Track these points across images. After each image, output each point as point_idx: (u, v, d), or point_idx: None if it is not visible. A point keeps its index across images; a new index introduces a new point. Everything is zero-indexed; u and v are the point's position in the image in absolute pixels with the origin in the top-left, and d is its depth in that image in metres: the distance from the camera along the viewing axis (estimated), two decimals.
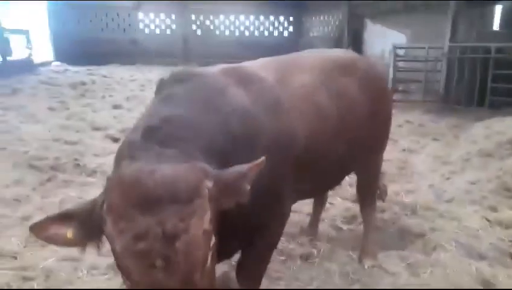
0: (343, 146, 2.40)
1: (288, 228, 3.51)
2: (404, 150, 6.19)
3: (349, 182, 4.29)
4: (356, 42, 13.35)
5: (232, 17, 18.56)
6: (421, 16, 10.58)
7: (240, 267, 2.23)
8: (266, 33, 18.82)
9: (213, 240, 1.37)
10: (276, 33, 18.83)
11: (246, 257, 2.20)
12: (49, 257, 2.86)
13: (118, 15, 17.60)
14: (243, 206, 1.50)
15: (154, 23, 18.16)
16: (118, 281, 2.75)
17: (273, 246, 2.35)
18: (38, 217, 1.65)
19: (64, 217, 1.35)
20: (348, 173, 3.07)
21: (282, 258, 3.14)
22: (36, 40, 16.06)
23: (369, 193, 3.14)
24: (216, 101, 1.80)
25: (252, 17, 18.65)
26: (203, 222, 1.29)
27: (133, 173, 1.30)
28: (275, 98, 2.04)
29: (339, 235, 3.58)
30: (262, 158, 1.48)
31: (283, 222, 2.26)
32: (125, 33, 17.69)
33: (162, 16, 18.12)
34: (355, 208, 3.93)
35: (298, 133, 2.07)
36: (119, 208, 1.26)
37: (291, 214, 3.67)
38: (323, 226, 3.63)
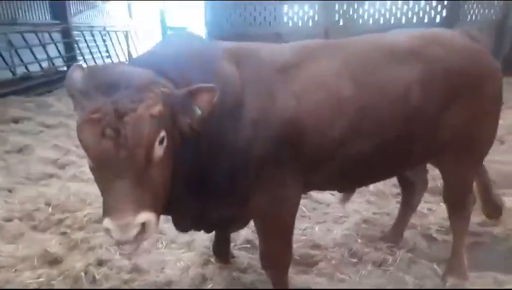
0: (382, 140, 2.20)
1: (367, 230, 3.36)
2: None
3: None
4: None
5: (377, 4, 17.67)
6: None
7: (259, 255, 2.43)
8: (415, 19, 17.38)
9: (165, 141, 1.65)
10: (426, 19, 17.24)
11: (259, 246, 2.42)
12: None
13: (264, 9, 18.44)
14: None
15: (297, 15, 18.49)
16: (190, 255, 3.05)
17: (279, 234, 2.32)
18: None
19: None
20: (398, 172, 2.81)
21: (354, 260, 3.01)
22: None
23: (457, 196, 2.72)
24: (204, 63, 1.99)
25: (399, 3, 17.44)
26: (151, 109, 1.57)
27: (100, 67, 1.72)
28: (267, 84, 2.07)
29: (430, 246, 3.22)
30: (212, 85, 1.72)
31: (286, 209, 2.25)
32: (270, 27, 18.45)
33: (306, 7, 18.31)
34: None
35: (297, 120, 2.05)
36: (85, 90, 1.61)
37: (371, 215, 3.53)
38: (412, 234, 3.32)
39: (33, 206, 3.71)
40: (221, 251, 2.94)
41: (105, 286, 2.67)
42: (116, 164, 1.53)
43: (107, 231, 1.56)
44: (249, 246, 3.17)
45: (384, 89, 2.19)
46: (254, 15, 18.52)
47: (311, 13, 18.24)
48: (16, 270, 2.91)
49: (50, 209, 3.68)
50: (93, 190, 3.79)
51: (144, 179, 1.59)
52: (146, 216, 1.57)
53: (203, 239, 3.14)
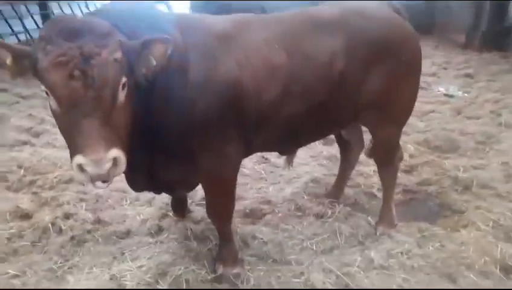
0: (312, 103, 2.49)
1: (314, 188, 3.70)
2: (500, 124, 5.39)
3: None
4: None
5: None
6: None
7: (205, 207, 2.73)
8: None
9: (126, 87, 1.82)
10: None
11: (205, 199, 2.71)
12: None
13: None
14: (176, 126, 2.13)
15: None
16: (150, 209, 3.36)
17: (221, 189, 2.58)
18: None
19: (12, 49, 1.80)
20: (329, 132, 3.11)
21: (299, 214, 3.35)
22: (176, 8, 17.84)
23: (383, 152, 3.05)
24: (152, 24, 2.13)
25: None
26: (114, 54, 1.73)
27: (62, 16, 1.92)
28: (209, 50, 2.27)
29: (369, 202, 3.58)
30: (166, 36, 1.88)
31: (228, 166, 2.49)
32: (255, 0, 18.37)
33: None
34: (404, 179, 3.85)
35: (239, 84, 2.27)
36: (48, 37, 1.71)
37: (321, 176, 3.86)
38: (355, 192, 3.66)
39: (6, 169, 3.95)
40: (178, 207, 3.24)
41: (69, 234, 2.98)
42: (84, 104, 1.68)
43: (80, 167, 1.68)
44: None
45: (310, 57, 2.47)
46: None
47: None
48: None
49: (22, 171, 3.92)
50: (64, 155, 4.03)
51: (110, 119, 1.75)
52: (117, 152, 1.73)
53: (164, 196, 3.43)
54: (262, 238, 2.98)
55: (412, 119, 5.34)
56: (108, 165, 1.70)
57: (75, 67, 1.65)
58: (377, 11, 2.77)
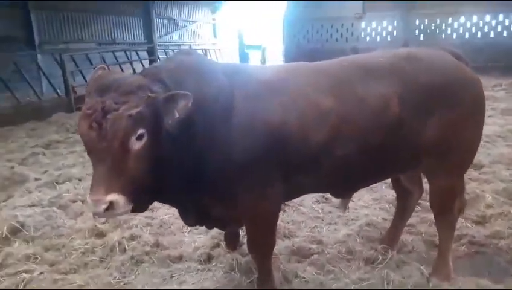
0: (364, 148, 2.51)
1: (369, 232, 3.59)
2: None
3: None
4: None
5: (462, 19, 16.87)
6: None
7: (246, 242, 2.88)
8: (505, 33, 16.24)
9: (145, 137, 2.02)
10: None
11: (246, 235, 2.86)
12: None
13: (342, 25, 18.61)
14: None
15: (375, 31, 18.38)
16: (205, 238, 3.56)
17: (261, 226, 2.65)
18: None
19: None
20: (385, 177, 3.12)
21: (349, 257, 3.27)
22: (272, 53, 18.84)
23: (440, 201, 2.87)
24: (198, 74, 2.38)
25: (488, 17, 16.47)
26: (131, 110, 1.95)
27: (101, 73, 2.19)
28: (255, 93, 2.42)
29: (427, 251, 3.34)
30: (187, 92, 2.06)
31: (268, 205, 2.55)
32: (347, 42, 18.55)
33: (385, 23, 18.14)
34: (473, 230, 3.56)
35: (281, 124, 2.37)
36: (89, 90, 2.09)
37: (378, 220, 3.73)
38: (414, 239, 3.47)
39: None
40: (230, 239, 3.40)
41: (130, 254, 3.30)
42: (98, 151, 1.97)
43: (87, 203, 2.04)
44: None
45: (361, 101, 2.51)
46: (331, 32, 18.79)
47: (389, 28, 18.02)
48: (71, 238, 3.68)
49: None
50: None
51: (119, 166, 1.98)
52: (114, 197, 1.95)
53: None
54: (304, 278, 2.98)
55: (497, 167, 4.94)
56: (103, 206, 1.93)
57: (95, 120, 1.95)
58: (432, 56, 2.74)
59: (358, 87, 2.54)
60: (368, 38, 18.50)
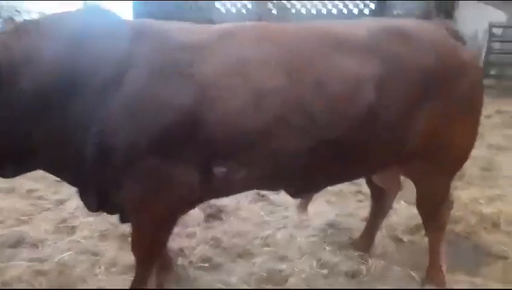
0: (323, 142, 1.95)
1: (337, 236, 3.12)
2: (491, 146, 5.28)
3: None
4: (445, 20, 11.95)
5: None
6: None
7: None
8: (345, 11, 17.72)
9: None
10: (356, 11, 17.65)
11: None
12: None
13: None
14: None
15: (230, 1, 18.00)
16: None
17: (150, 228, 2.09)
18: None
19: None
20: (355, 177, 2.66)
21: (324, 272, 2.72)
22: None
23: (429, 208, 2.53)
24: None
25: None
26: None
27: None
28: (162, 63, 1.87)
29: (398, 249, 3.03)
30: None
31: (166, 203, 2.00)
32: (203, 12, 17.72)
33: None
34: None
35: (198, 108, 1.83)
36: None
37: (335, 218, 3.30)
38: (379, 237, 3.10)
39: None
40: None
41: None
42: None
43: None
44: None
45: (322, 84, 1.92)
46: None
47: (244, 1, 17.83)
48: None
49: None
50: None
51: None
52: None
53: None
54: None
55: None
56: None
57: None
58: (423, 31, 2.21)
59: (322, 64, 1.97)
60: (223, 10, 17.97)
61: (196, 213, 3.21)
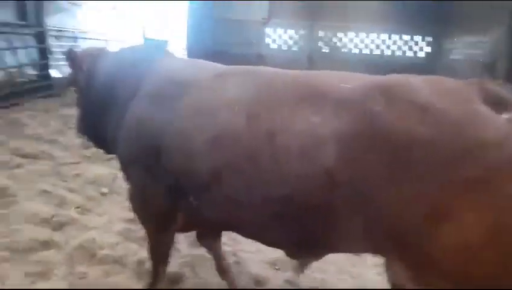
0: (266, 198, 1.88)
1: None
2: None
3: None
4: None
5: (362, 35, 17.58)
6: None
7: None
8: (399, 53, 17.38)
9: None
10: (410, 53, 17.26)
11: None
12: None
13: (248, 30, 17.77)
14: None
15: (281, 38, 18.05)
16: None
17: (146, 226, 2.62)
18: None
19: None
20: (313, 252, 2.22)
21: None
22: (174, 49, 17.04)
23: None
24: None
25: (383, 36, 17.41)
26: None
27: None
28: (152, 93, 2.39)
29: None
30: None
31: (146, 211, 2.50)
32: (252, 48, 17.78)
33: (290, 31, 17.91)
34: None
35: (162, 135, 2.18)
36: None
37: None
38: None
39: None
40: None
41: None
42: None
43: None
44: None
45: (274, 135, 1.84)
46: (237, 35, 17.72)
47: (296, 38, 17.79)
48: None
49: None
50: None
51: None
52: None
53: None
54: None
55: None
56: None
57: None
58: (420, 92, 1.68)
59: (279, 114, 1.87)
60: (273, 46, 17.95)
61: None
